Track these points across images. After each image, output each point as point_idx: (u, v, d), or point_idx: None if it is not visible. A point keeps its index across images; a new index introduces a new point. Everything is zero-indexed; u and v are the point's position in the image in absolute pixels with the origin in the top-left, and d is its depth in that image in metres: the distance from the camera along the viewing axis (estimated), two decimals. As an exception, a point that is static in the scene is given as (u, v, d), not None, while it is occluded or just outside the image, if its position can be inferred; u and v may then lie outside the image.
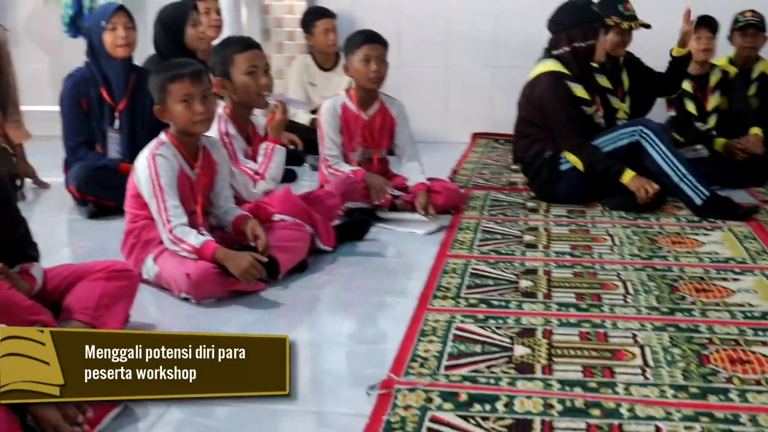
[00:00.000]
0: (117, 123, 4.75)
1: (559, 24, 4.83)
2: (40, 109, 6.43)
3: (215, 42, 5.86)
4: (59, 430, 2.18)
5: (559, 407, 2.47)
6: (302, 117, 6.15)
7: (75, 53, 6.85)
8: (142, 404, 2.53)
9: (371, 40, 4.59)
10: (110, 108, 4.76)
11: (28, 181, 5.34)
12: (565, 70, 4.79)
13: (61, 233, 4.56)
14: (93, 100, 4.75)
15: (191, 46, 5.20)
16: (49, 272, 2.98)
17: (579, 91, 4.79)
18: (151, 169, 3.49)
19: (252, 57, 3.95)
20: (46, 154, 5.54)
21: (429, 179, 4.69)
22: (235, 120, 4.00)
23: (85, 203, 4.71)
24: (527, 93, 4.92)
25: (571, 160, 4.73)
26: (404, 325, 3.11)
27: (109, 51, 4.71)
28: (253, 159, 4.00)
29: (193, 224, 3.53)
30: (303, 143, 5.86)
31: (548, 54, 4.87)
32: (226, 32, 6.09)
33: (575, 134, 4.74)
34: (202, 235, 3.49)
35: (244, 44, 3.99)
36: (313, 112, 6.20)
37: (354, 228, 4.26)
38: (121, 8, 4.73)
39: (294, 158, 5.59)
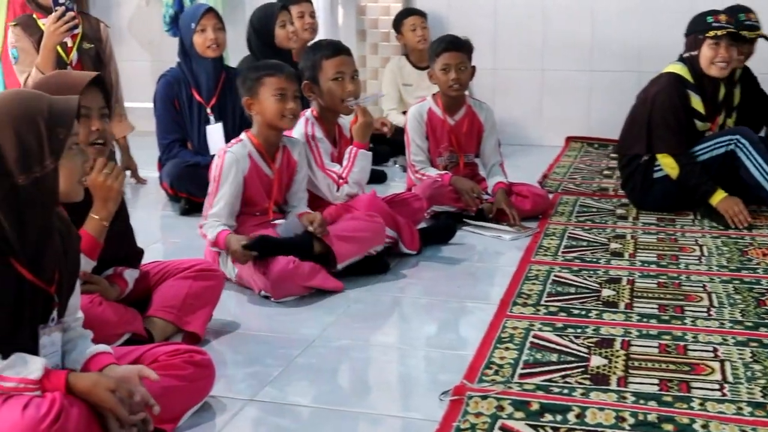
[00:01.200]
0: (211, 119, 4.86)
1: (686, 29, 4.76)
2: (142, 105, 6.57)
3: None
4: (116, 413, 2.21)
5: (631, 420, 2.45)
6: (395, 118, 6.17)
7: (175, 51, 7.02)
8: (219, 401, 2.60)
9: (450, 47, 4.58)
10: (201, 107, 4.87)
11: (126, 174, 5.47)
12: (689, 77, 4.64)
13: (154, 229, 4.67)
14: (184, 99, 4.87)
15: (281, 46, 5.27)
16: (141, 269, 3.07)
17: (696, 102, 4.65)
18: (217, 163, 3.61)
19: (339, 63, 3.96)
20: (146, 150, 5.66)
21: (517, 184, 4.68)
22: (322, 122, 4.04)
23: (178, 200, 4.84)
24: (646, 89, 4.81)
25: (665, 164, 4.62)
26: (483, 331, 3.12)
27: (199, 52, 4.83)
28: (339, 161, 4.04)
29: (265, 221, 3.67)
30: (394, 143, 5.85)
31: (680, 56, 4.76)
32: (321, 33, 6.18)
33: (677, 143, 4.62)
34: (220, 226, 3.59)
35: (332, 50, 4.00)
36: (405, 113, 6.23)
37: (439, 232, 4.27)
38: (210, 10, 4.83)
39: (381, 144, 5.59)
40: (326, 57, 3.97)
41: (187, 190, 4.73)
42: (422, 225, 4.27)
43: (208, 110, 4.89)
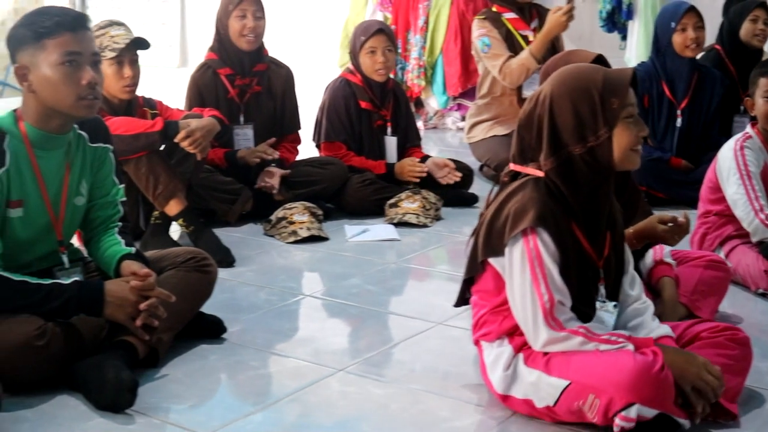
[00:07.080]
0: (679, 121, 4.85)
1: None
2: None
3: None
4: None
5: None
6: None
7: (601, 47, 7.05)
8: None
9: None
10: (670, 105, 4.86)
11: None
12: None
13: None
14: (654, 95, 4.88)
15: (745, 40, 5.12)
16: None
17: None
18: (738, 159, 3.57)
19: None
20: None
21: None
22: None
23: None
24: None
25: None
26: None
27: (677, 51, 4.80)
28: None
29: None
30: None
31: None
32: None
33: None
34: None
35: None
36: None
37: None
38: (692, 9, 4.79)
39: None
40: None
41: (648, 184, 4.74)
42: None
43: (678, 111, 4.88)
